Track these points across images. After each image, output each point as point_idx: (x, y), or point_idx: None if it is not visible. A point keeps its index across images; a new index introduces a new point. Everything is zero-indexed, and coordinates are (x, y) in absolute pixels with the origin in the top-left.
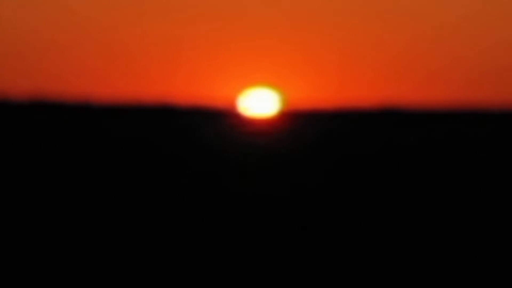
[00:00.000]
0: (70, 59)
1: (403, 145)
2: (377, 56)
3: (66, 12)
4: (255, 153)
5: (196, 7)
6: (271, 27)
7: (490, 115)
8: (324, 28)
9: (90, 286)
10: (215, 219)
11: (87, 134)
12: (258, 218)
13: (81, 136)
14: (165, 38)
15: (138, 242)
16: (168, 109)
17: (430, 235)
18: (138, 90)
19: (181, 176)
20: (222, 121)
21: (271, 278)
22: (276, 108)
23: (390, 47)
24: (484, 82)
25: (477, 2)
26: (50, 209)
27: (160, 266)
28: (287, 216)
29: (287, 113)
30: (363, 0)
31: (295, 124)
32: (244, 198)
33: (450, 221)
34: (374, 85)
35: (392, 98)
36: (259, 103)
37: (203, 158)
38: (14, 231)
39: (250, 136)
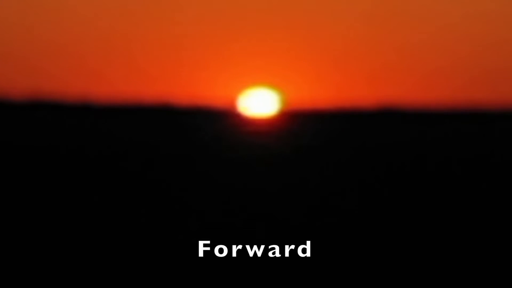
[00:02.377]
0: (70, 59)
1: (401, 144)
2: (375, 57)
3: (66, 12)
4: (254, 152)
5: (197, 10)
6: (270, 28)
7: (488, 115)
8: (323, 30)
9: (90, 286)
10: (215, 218)
11: (87, 133)
12: (258, 216)
13: (81, 135)
14: (166, 40)
15: (136, 242)
16: (169, 109)
17: (428, 234)
18: (138, 90)
19: (181, 175)
20: (222, 121)
21: (270, 277)
22: (275, 108)
23: (389, 48)
24: (482, 82)
25: (476, 3)
26: (49, 209)
27: (157, 265)
28: (286, 215)
29: (286, 113)
30: (362, 1)
31: (294, 123)
32: (243, 197)
33: (448, 220)
34: (373, 85)
35: (390, 98)
36: (259, 103)
37: (203, 157)
38: (13, 230)
39: (250, 135)
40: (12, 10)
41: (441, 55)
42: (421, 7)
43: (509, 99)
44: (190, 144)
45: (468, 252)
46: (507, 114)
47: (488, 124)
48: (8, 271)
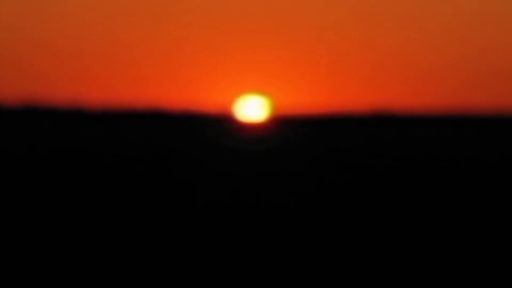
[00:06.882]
0: (65, 64)
1: (395, 149)
2: (367, 62)
3: (61, 17)
4: (249, 156)
5: (193, 20)
6: (263, 36)
7: (482, 118)
8: (315, 36)
9: (91, 286)
10: (210, 220)
11: (81, 138)
12: (252, 215)
13: (76, 140)
14: (161, 47)
15: (131, 245)
16: (164, 114)
17: (421, 235)
18: (134, 95)
19: (177, 179)
20: (216, 126)
21: (261, 274)
22: (270, 114)
23: (381, 53)
24: (476, 85)
25: (469, 7)
26: (43, 212)
27: (155, 266)
28: (279, 214)
29: (280, 119)
30: (353, 6)
31: (288, 129)
32: (238, 199)
33: (442, 223)
34: (366, 90)
35: (383, 102)
36: (253, 109)
37: (199, 160)
38: (8, 232)
39: (245, 140)
40: (6, 14)
41: (435, 59)
42: (414, 11)
43: (504, 102)
44: (185, 148)
45: (464, 254)
46: (502, 118)
47: (482, 127)
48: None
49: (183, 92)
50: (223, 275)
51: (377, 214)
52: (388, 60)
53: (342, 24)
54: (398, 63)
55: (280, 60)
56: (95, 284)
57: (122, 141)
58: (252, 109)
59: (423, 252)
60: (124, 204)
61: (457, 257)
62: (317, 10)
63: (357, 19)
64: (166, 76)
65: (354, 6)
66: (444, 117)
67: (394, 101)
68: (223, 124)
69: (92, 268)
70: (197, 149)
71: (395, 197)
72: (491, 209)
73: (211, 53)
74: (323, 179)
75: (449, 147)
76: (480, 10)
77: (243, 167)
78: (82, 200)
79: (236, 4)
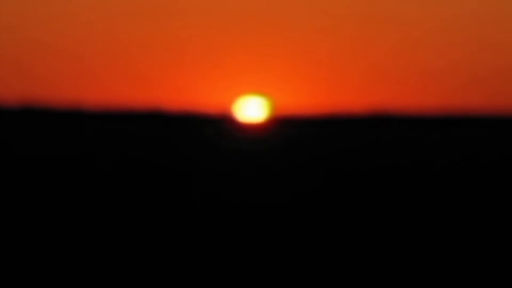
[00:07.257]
0: (64, 64)
1: (394, 150)
2: (367, 62)
3: (60, 17)
4: (248, 158)
5: (192, 20)
6: (262, 35)
7: (482, 119)
8: (314, 36)
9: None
10: (212, 218)
11: (79, 140)
12: (252, 215)
13: (75, 141)
14: (160, 47)
15: (131, 246)
16: (162, 115)
17: (421, 236)
18: (132, 96)
19: (178, 177)
20: (215, 127)
21: (261, 275)
22: (268, 115)
23: (380, 53)
24: (477, 86)
25: (469, 7)
26: (43, 212)
27: (155, 266)
28: (279, 214)
29: (279, 119)
30: (352, 6)
31: (287, 130)
32: (238, 197)
33: (442, 223)
34: (365, 91)
35: (382, 103)
36: (252, 109)
37: (197, 162)
38: (5, 233)
39: (244, 141)
40: (6, 14)
41: (434, 59)
42: (414, 11)
43: (503, 102)
44: (185, 148)
45: (464, 255)
46: (502, 118)
47: (482, 127)
48: None
49: (182, 92)
50: (223, 275)
51: (376, 214)
52: (388, 60)
53: (342, 24)
54: (398, 63)
55: (280, 60)
56: (95, 284)
57: (122, 141)
58: (252, 109)
59: (423, 253)
60: (124, 205)
61: (457, 258)
62: (317, 10)
63: (357, 19)
64: (165, 76)
65: (354, 6)
66: (444, 117)
67: (394, 101)
68: (223, 125)
69: (92, 269)
70: (197, 149)
71: (395, 197)
72: (491, 210)
73: (211, 53)
74: (323, 179)
75: (449, 148)
76: (480, 10)
77: (243, 167)
78: (82, 201)
79: (236, 5)
